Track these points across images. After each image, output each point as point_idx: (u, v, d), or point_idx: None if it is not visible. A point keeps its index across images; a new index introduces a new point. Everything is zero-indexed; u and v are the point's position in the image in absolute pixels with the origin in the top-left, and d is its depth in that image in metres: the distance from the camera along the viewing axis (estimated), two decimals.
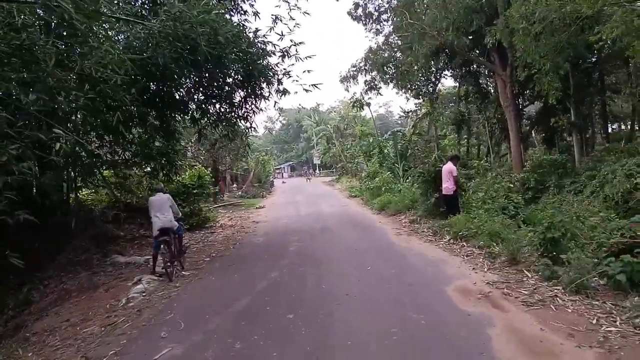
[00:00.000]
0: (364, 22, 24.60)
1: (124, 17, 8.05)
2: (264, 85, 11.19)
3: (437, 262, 7.57)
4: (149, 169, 12.96)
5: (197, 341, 5.01)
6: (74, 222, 8.35)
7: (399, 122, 54.75)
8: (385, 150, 25.23)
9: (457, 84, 27.47)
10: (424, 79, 25.72)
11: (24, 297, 8.60)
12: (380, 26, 25.04)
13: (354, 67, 25.61)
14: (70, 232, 9.95)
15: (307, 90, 11.17)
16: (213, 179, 23.54)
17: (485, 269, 6.89)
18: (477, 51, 19.19)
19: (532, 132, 24.65)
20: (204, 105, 11.23)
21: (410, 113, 34.82)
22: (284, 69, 11.02)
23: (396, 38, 23.48)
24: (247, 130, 11.95)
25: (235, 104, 11.48)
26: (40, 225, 9.65)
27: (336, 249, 9.61)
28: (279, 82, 11.27)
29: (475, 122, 28.43)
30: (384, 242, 9.84)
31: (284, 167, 73.59)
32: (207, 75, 9.69)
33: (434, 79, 26.58)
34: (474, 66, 22.71)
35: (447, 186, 10.27)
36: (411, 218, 12.40)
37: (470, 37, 17.52)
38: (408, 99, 28.79)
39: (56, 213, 10.20)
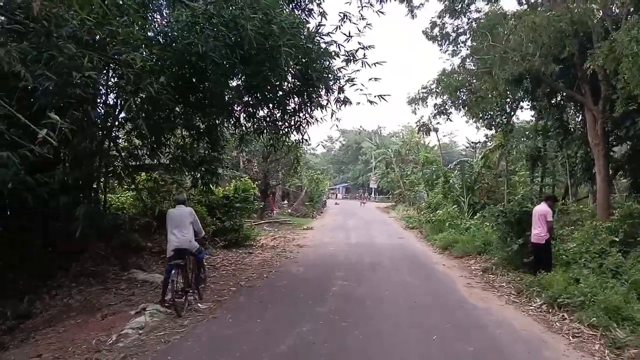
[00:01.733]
0: (439, 43, 22.73)
1: None
2: (322, 91, 9.67)
3: (533, 341, 5.41)
4: (188, 177, 11.78)
5: None
6: (79, 229, 7.05)
7: (463, 153, 51.55)
8: (451, 181, 22.83)
9: (535, 117, 24.98)
10: (498, 108, 23.46)
11: (25, 309, 7.45)
12: (457, 48, 23.12)
13: (424, 88, 23.65)
14: (88, 237, 8.76)
15: (371, 102, 9.49)
16: (260, 194, 22.38)
17: None
18: (564, 82, 16.84)
19: (616, 176, 21.49)
20: (251, 109, 9.85)
21: (479, 144, 32.18)
22: (348, 75, 9.44)
23: (473, 61, 21.30)
24: (297, 143, 10.37)
25: (289, 110, 10.01)
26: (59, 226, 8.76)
27: (390, 298, 7.65)
28: (340, 89, 9.68)
29: (551, 159, 25.63)
30: (453, 296, 7.74)
31: (338, 188, 72.24)
32: (257, 73, 8.26)
33: (509, 110, 24.25)
34: (558, 98, 20.12)
35: (539, 233, 8.05)
36: (483, 265, 10.15)
37: (560, 66, 15.18)
38: (478, 129, 26.34)
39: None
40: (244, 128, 9.83)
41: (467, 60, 22.58)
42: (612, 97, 14.44)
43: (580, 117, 20.12)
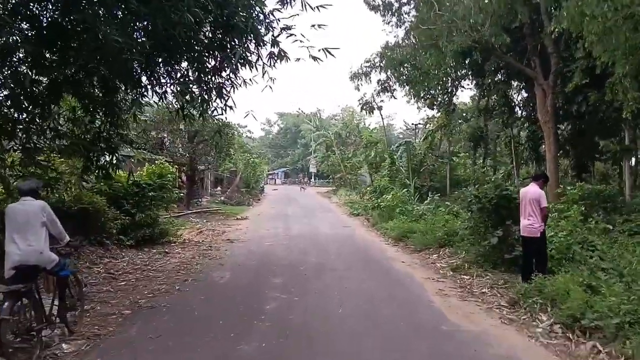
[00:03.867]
0: (382, 13, 20.90)
1: None
2: (250, 43, 7.29)
3: None
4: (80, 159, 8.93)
5: None
6: None
7: (401, 136, 51.07)
8: (397, 163, 21.36)
9: (478, 96, 24.23)
10: (441, 86, 22.38)
11: None
12: (401, 18, 21.48)
13: (367, 62, 21.99)
14: None
15: (315, 59, 7.27)
16: (186, 180, 19.55)
17: None
18: (513, 56, 15.86)
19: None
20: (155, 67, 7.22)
21: (419, 125, 31.27)
22: (284, 22, 7.15)
23: (418, 34, 19.67)
24: (219, 110, 7.83)
25: (207, 69, 7.47)
26: None
27: (344, 315, 5.60)
28: (275, 41, 7.34)
29: (493, 140, 25.12)
30: (427, 313, 5.80)
31: (277, 173, 70.06)
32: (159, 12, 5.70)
33: (451, 88, 23.28)
34: (504, 74, 19.20)
35: (532, 223, 6.32)
36: (451, 262, 8.41)
37: (509, 38, 14.01)
38: (419, 109, 25.23)
39: None
40: (144, 90, 7.19)
41: (412, 32, 20.95)
42: (564, 70, 13.61)
43: (526, 95, 19.52)
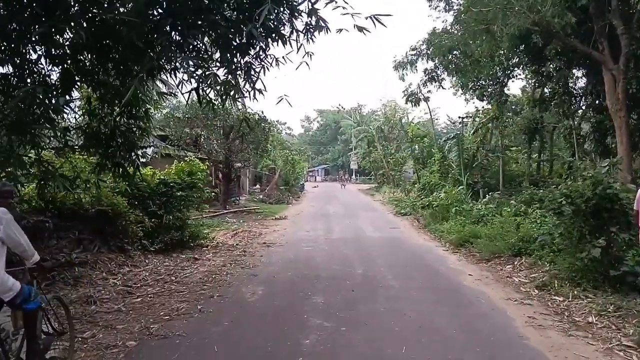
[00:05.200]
0: None
1: None
2: (283, 14, 5.94)
3: None
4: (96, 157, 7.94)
5: None
6: None
7: (444, 131, 48.44)
8: (449, 158, 19.55)
9: (534, 84, 22.04)
10: (492, 75, 20.40)
11: None
12: (449, 3, 19.73)
13: (413, 50, 20.32)
14: None
15: (361, 30, 5.77)
16: (222, 178, 18.59)
17: None
18: (577, 39, 13.83)
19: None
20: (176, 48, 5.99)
21: (468, 118, 29.14)
22: None
23: (469, 17, 17.75)
24: (246, 93, 6.49)
25: (233, 46, 6.15)
26: None
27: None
28: (312, 10, 5.92)
29: (549, 132, 22.80)
30: (520, 351, 4.27)
31: (317, 170, 69.17)
32: None
33: (502, 78, 21.20)
34: (563, 62, 17.01)
35: None
36: (534, 276, 6.75)
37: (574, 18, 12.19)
38: (467, 101, 23.13)
39: None
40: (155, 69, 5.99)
41: (462, 15, 19.05)
42: (638, 52, 11.87)
43: (587, 82, 17.43)
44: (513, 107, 24.82)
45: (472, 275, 7.42)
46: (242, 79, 6.38)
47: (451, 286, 6.86)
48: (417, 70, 20.76)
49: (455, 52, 18.54)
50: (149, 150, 13.49)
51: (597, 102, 16.31)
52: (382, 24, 5.63)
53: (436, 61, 19.97)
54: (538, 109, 21.00)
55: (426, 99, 23.13)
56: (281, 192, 27.15)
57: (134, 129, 7.39)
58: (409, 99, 22.98)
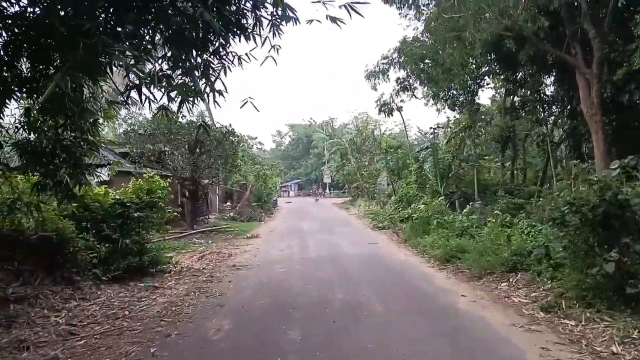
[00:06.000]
0: (397, 5, 18.90)
1: None
2: (247, 4, 5.15)
3: None
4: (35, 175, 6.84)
5: None
6: None
7: (416, 142, 48.56)
8: (426, 167, 19.11)
9: (505, 93, 22.10)
10: (461, 86, 20.36)
11: None
12: (419, 11, 19.47)
13: (385, 59, 19.92)
14: None
15: (334, 20, 5.03)
16: (188, 196, 17.45)
17: None
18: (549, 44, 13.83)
19: None
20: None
21: (439, 128, 29.08)
22: None
23: (440, 24, 17.53)
24: (206, 94, 5.58)
25: (190, 40, 5.26)
26: None
27: None
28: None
29: (521, 140, 22.89)
30: None
31: (290, 185, 68.36)
32: None
33: (473, 87, 21.21)
34: (536, 67, 16.98)
35: None
36: (536, 295, 6.04)
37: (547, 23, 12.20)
38: (439, 111, 22.99)
39: None
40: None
41: (432, 23, 18.85)
42: (611, 56, 11.64)
43: (559, 89, 17.43)
44: (483, 116, 24.90)
45: (466, 296, 6.65)
46: (200, 80, 5.50)
47: (444, 310, 6.06)
48: (389, 79, 20.43)
49: (426, 61, 18.33)
50: (104, 170, 12.34)
51: (569, 107, 16.23)
52: (359, 13, 4.89)
53: (408, 70, 19.69)
54: (509, 117, 20.94)
55: (399, 109, 22.74)
56: (253, 208, 26.04)
57: (81, 143, 6.38)
58: (382, 108, 22.54)
